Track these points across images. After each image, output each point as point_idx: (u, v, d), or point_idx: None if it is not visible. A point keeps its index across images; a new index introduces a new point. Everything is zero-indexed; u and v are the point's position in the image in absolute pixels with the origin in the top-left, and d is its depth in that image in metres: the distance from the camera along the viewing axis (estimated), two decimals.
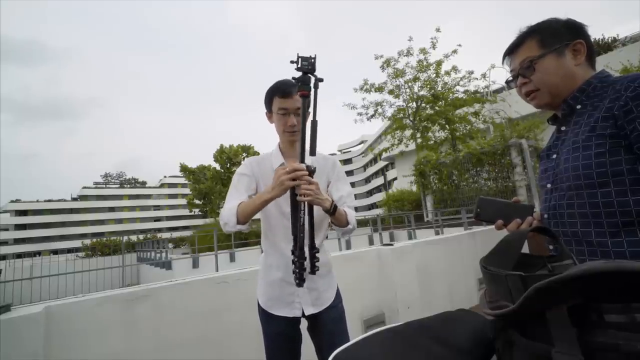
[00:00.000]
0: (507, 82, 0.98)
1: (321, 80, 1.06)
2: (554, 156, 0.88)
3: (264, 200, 1.11)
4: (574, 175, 0.78)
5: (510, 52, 0.94)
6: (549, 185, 0.88)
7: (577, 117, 0.85)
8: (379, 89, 11.98)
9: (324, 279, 1.29)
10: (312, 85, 1.05)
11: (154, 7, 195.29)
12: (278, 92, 1.23)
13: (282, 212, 1.25)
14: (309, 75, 1.04)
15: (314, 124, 1.06)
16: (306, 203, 1.07)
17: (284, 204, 1.22)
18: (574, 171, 0.78)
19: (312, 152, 1.07)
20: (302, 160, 1.06)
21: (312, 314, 1.25)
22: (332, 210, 1.14)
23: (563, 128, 0.89)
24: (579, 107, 0.85)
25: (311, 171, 1.08)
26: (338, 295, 1.34)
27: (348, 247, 9.67)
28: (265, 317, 1.27)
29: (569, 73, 0.84)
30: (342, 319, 1.31)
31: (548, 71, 0.85)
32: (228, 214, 1.17)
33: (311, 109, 1.08)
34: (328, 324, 1.25)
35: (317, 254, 1.12)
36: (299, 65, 1.03)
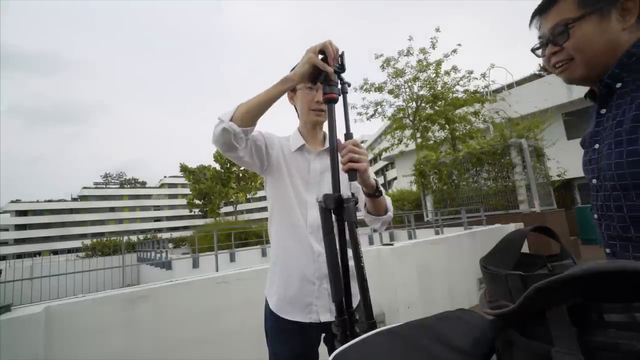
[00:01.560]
0: (533, 50, 0.81)
1: (349, 84, 0.86)
2: (597, 146, 0.74)
3: (280, 80, 0.89)
4: (618, 174, 0.66)
5: (541, 12, 0.76)
6: (594, 181, 0.75)
7: (618, 98, 0.70)
8: (379, 89, 11.97)
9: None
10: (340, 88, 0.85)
11: (150, 8, 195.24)
12: None
13: (300, 198, 1.11)
14: (338, 75, 0.85)
15: (348, 138, 0.84)
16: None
17: (302, 190, 1.11)
18: (618, 169, 0.66)
19: (351, 176, 0.82)
20: (337, 187, 0.79)
21: (328, 322, 1.04)
22: (379, 191, 0.96)
23: (603, 111, 0.74)
24: (618, 85, 0.69)
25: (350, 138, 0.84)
26: (358, 305, 1.16)
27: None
28: (276, 326, 1.09)
29: (612, 40, 0.67)
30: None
31: (586, 37, 0.68)
32: (225, 111, 0.93)
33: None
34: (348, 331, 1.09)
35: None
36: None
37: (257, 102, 0.91)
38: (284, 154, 1.14)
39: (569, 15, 0.70)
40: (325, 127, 1.19)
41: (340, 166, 0.84)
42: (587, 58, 0.70)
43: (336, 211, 0.78)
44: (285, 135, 1.23)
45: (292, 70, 0.93)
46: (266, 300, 1.15)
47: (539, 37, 0.78)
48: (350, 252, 1.16)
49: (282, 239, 1.13)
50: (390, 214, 1.11)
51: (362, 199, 1.12)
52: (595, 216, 0.76)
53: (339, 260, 0.77)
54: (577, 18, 0.68)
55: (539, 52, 0.80)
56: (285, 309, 1.07)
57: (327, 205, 0.77)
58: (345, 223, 0.78)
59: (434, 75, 11.40)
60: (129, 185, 68.30)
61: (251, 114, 0.91)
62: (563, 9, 0.71)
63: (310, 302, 1.06)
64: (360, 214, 1.13)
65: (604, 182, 0.71)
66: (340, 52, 0.85)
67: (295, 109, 1.21)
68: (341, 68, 0.85)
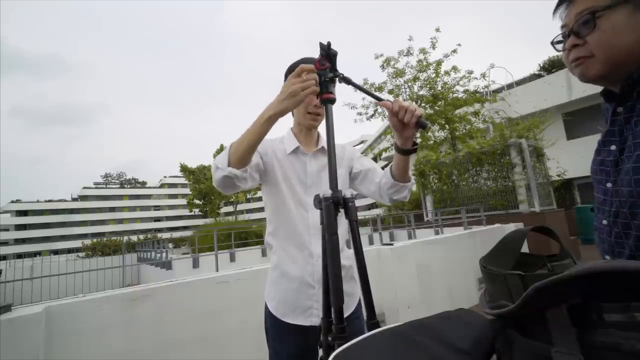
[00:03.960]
0: (553, 43, 0.73)
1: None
2: (613, 147, 0.68)
3: (266, 119, 0.86)
4: (636, 179, 0.61)
5: None
6: (609, 185, 0.69)
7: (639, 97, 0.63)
8: (379, 89, 11.97)
9: (346, 284, 1.06)
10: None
11: (150, 8, 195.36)
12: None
13: (299, 201, 1.09)
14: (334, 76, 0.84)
15: (329, 151, 0.81)
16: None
17: (301, 192, 1.09)
18: (637, 174, 0.61)
19: (423, 123, 0.87)
20: (334, 186, 0.79)
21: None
22: (416, 144, 0.98)
23: (619, 109, 0.67)
24: None
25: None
26: (360, 305, 1.14)
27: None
28: (276, 325, 1.09)
29: None
30: (364, 333, 1.09)
31: (614, 31, 0.60)
32: (220, 156, 0.94)
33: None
34: (350, 338, 1.02)
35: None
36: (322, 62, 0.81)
37: (248, 143, 0.90)
38: (277, 157, 1.12)
39: (598, 2, 0.60)
40: (319, 128, 1.19)
41: (394, 122, 0.90)
42: (611, 56, 0.62)
43: (340, 208, 0.78)
44: (277, 136, 1.21)
45: (276, 103, 0.88)
46: (265, 303, 1.15)
47: (562, 27, 0.69)
48: (348, 252, 1.17)
49: (281, 243, 1.12)
50: (412, 182, 1.12)
51: (375, 179, 1.15)
52: (605, 222, 0.70)
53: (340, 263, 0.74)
54: (606, 6, 0.59)
55: (559, 46, 0.70)
56: (285, 313, 1.07)
57: (338, 201, 0.76)
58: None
59: (434, 75, 11.40)
60: (129, 185, 68.27)
61: (245, 155, 0.91)
62: None
63: (310, 305, 1.06)
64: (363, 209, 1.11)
65: (621, 187, 0.65)
66: (333, 52, 0.84)
67: None
68: (333, 69, 0.83)
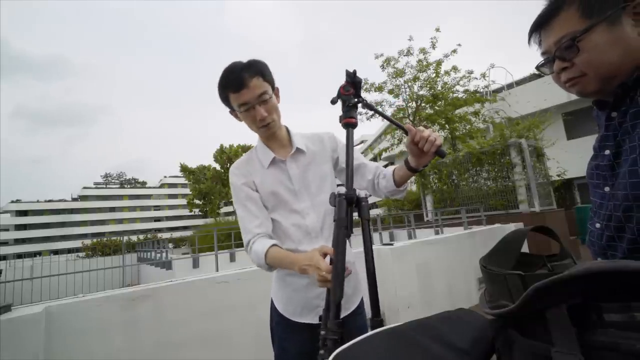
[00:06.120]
0: (538, 67, 0.76)
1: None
2: (607, 152, 0.70)
3: (299, 270, 0.93)
4: (631, 182, 0.62)
5: (540, 26, 0.70)
6: (607, 189, 0.70)
7: (632, 101, 0.65)
8: (379, 89, 11.97)
9: (350, 281, 1.11)
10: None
11: (152, 9, 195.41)
12: (230, 87, 1.02)
13: (291, 210, 1.11)
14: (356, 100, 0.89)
15: (349, 169, 0.85)
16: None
17: (291, 200, 1.10)
18: (632, 177, 0.62)
19: (442, 152, 0.96)
20: (350, 185, 0.84)
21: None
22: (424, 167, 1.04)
23: (614, 114, 0.69)
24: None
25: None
26: (362, 300, 1.17)
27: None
28: (283, 324, 1.11)
29: (628, 47, 0.61)
30: (367, 329, 1.09)
31: (599, 49, 0.62)
32: (258, 258, 1.03)
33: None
34: (353, 333, 1.03)
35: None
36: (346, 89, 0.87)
37: (279, 265, 1.02)
38: (260, 174, 1.12)
39: (573, 27, 0.63)
40: (287, 122, 1.19)
41: (413, 148, 0.96)
42: (602, 72, 0.64)
43: (353, 207, 0.83)
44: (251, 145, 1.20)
45: (300, 270, 0.91)
46: (272, 302, 1.16)
47: (542, 54, 0.72)
48: (350, 251, 1.18)
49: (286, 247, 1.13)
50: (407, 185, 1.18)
51: (367, 175, 1.19)
52: (598, 225, 0.71)
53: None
54: (584, 30, 0.62)
55: (545, 69, 0.73)
56: (293, 312, 1.09)
57: (351, 199, 0.81)
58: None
59: (434, 75, 11.39)
60: (129, 185, 68.23)
61: (276, 267, 1.04)
62: (566, 21, 0.65)
63: (318, 304, 1.07)
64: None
65: (617, 191, 0.66)
66: (358, 80, 0.90)
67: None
68: (357, 95, 0.90)
